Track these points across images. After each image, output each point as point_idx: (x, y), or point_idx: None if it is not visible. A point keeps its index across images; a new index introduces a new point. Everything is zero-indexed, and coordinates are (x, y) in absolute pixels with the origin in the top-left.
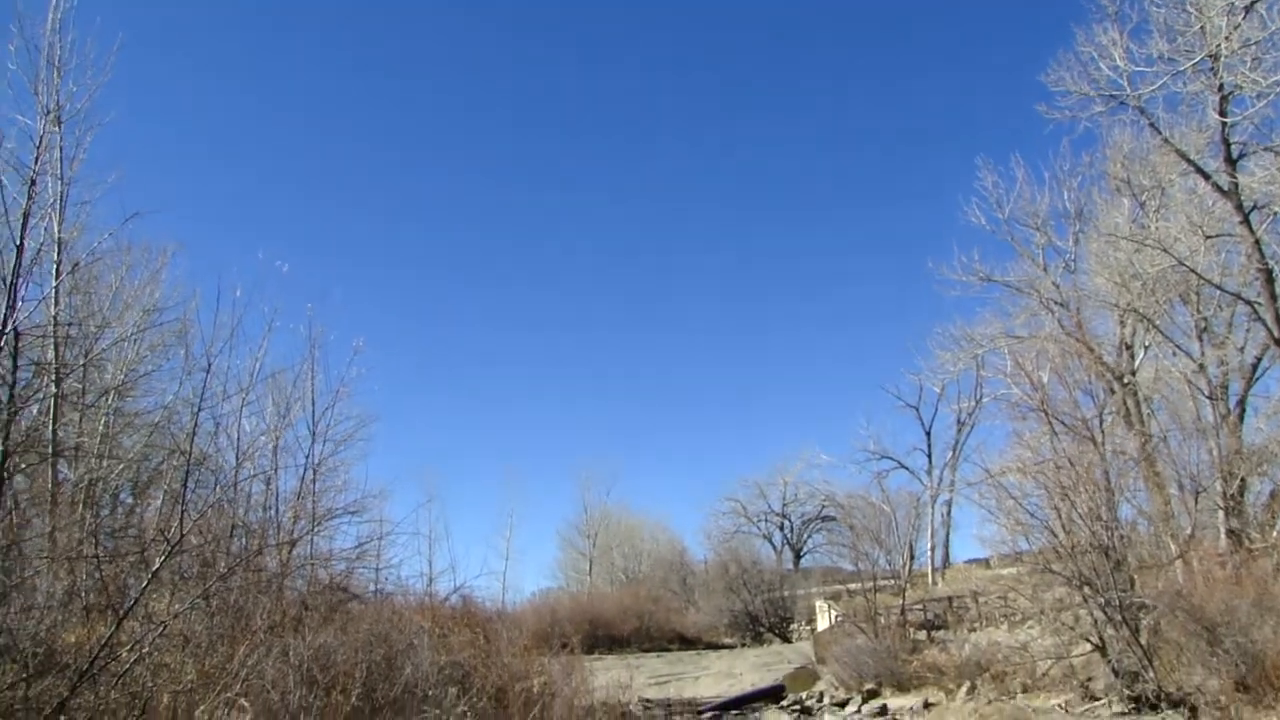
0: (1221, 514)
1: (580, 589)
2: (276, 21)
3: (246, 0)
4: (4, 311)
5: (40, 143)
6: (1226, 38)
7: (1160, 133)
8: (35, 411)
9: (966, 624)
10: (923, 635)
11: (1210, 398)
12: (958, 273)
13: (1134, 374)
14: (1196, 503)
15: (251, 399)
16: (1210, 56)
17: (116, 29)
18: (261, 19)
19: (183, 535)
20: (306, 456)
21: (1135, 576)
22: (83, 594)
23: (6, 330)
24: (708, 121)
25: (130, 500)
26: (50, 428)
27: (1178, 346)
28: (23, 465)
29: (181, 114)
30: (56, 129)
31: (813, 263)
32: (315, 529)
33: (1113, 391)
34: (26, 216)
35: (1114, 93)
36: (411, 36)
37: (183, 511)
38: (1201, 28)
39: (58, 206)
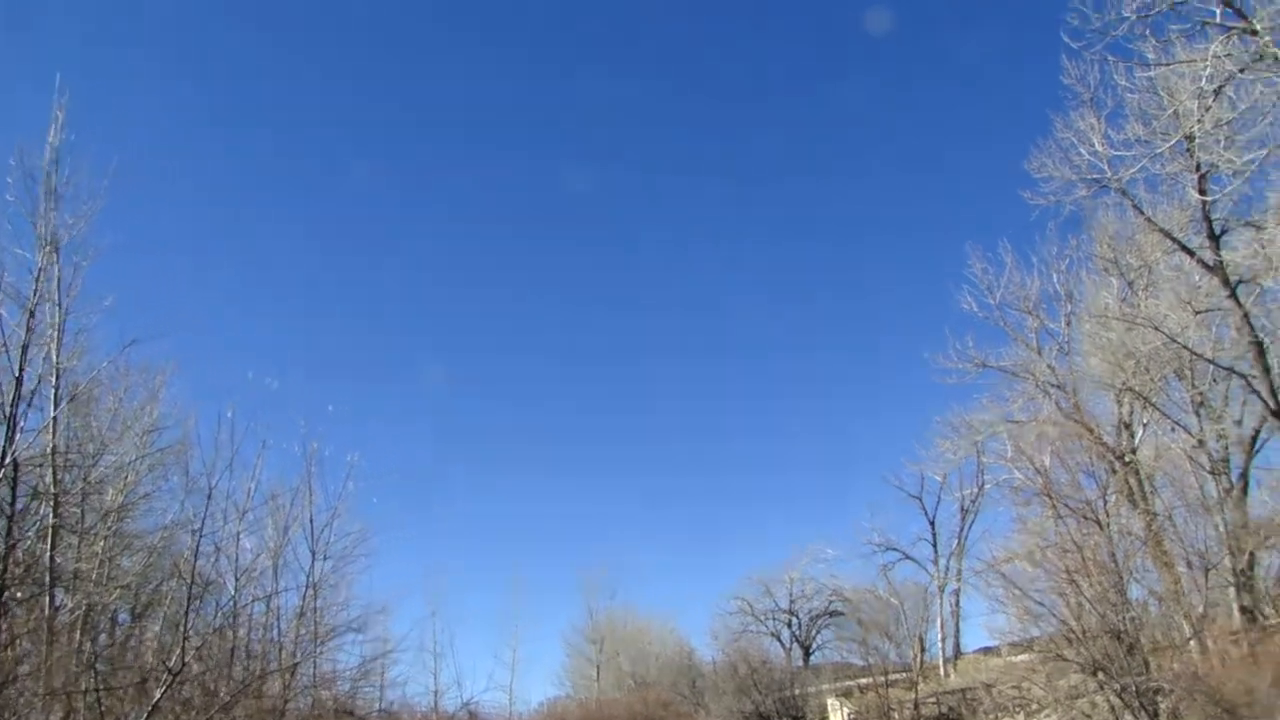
0: (1233, 590)
1: (588, 696)
2: (269, 135)
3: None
4: (3, 443)
5: (38, 273)
6: (1199, 120)
7: (1143, 213)
8: (32, 538)
9: (981, 716)
10: None
11: (1212, 473)
12: (953, 360)
13: (1134, 452)
14: (1207, 580)
15: (250, 520)
16: (1186, 138)
17: (113, 154)
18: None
19: (184, 664)
20: (307, 575)
21: (1150, 659)
22: None
23: (6, 462)
24: (701, 221)
25: (129, 622)
26: (48, 554)
27: (1176, 423)
28: (19, 595)
29: (176, 228)
30: (54, 258)
31: (810, 355)
32: (318, 649)
33: (1114, 471)
34: (25, 348)
35: (1095, 176)
36: (394, 155)
37: (184, 638)
38: (1175, 111)
39: (56, 335)
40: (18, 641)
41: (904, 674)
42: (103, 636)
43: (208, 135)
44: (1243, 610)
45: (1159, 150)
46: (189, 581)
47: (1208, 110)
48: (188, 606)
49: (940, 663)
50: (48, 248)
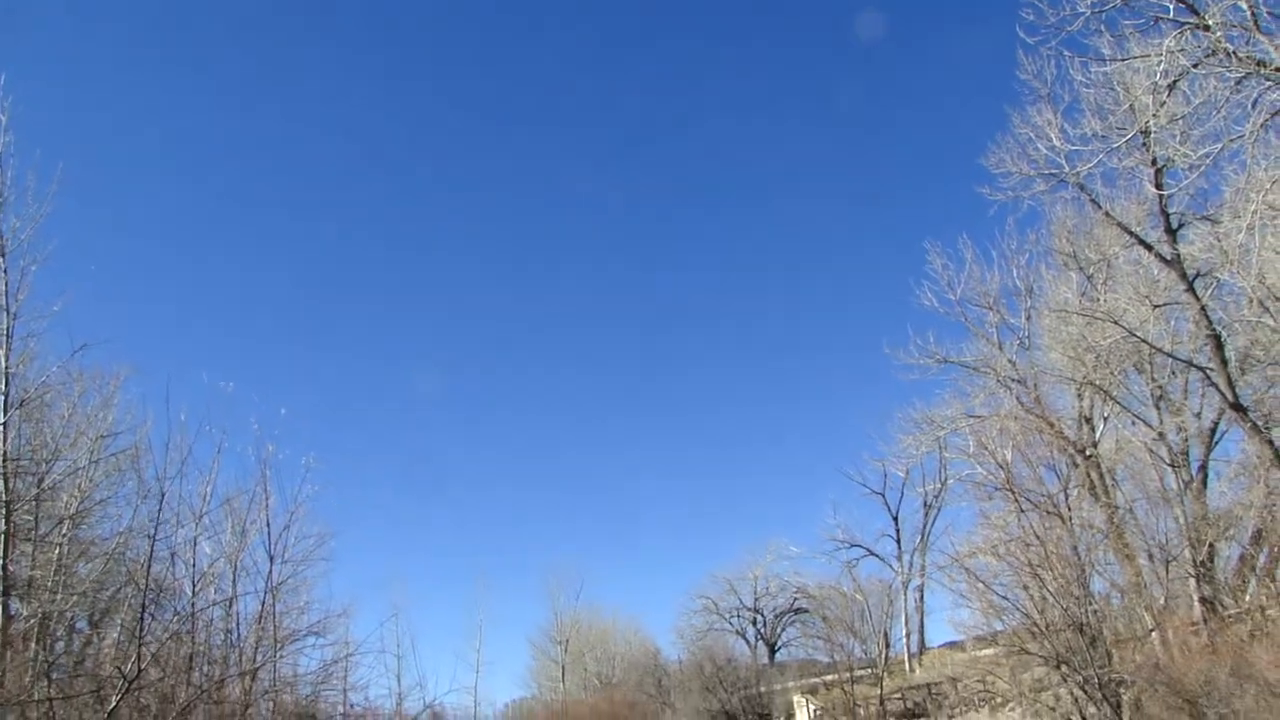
0: (1193, 582)
1: (554, 697)
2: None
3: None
4: None
5: None
6: (1154, 115)
7: (1101, 207)
8: None
9: (946, 710)
10: None
11: (1172, 465)
12: (914, 356)
13: (1095, 446)
14: (1168, 572)
15: (207, 524)
16: (1141, 132)
17: (58, 158)
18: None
19: (140, 670)
20: (266, 579)
21: (1112, 651)
22: None
23: None
24: (664, 226)
25: (87, 629)
26: (1, 562)
27: (1136, 416)
28: None
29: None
30: (0, 262)
31: (772, 355)
32: (278, 653)
33: (1076, 465)
34: None
35: (1053, 171)
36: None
37: (139, 644)
38: (1130, 105)
39: (4, 339)
40: None
41: (869, 670)
42: (60, 644)
43: (188, 119)
44: (1203, 601)
45: (1115, 145)
46: (143, 587)
47: (1163, 105)
48: (142, 612)
49: (905, 658)
50: None
